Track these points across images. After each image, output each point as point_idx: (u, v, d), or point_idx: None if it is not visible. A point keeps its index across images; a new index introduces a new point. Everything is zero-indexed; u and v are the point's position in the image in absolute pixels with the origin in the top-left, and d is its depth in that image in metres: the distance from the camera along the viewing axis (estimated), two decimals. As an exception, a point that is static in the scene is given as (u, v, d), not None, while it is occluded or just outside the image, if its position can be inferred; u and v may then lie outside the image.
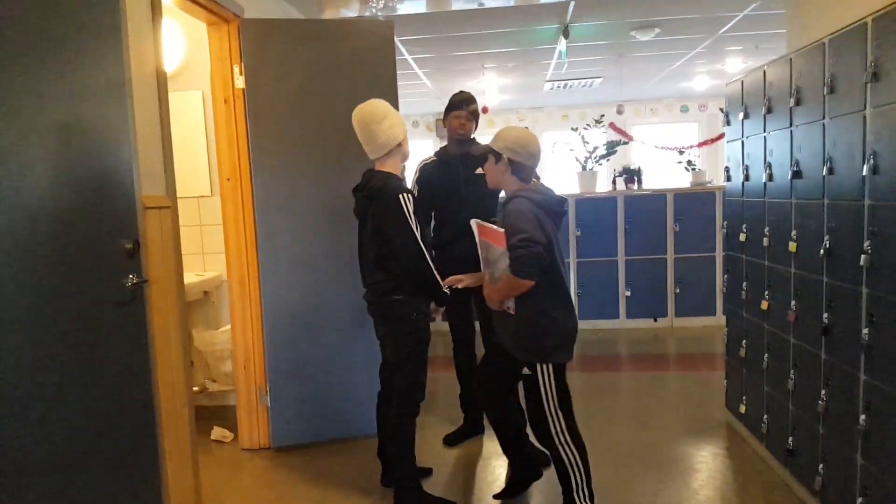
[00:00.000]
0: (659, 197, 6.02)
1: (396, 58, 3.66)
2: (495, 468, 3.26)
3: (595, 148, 6.43)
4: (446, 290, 2.76)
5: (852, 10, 2.40)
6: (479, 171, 3.18)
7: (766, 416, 3.11)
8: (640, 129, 11.83)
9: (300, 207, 3.42)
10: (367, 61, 3.46)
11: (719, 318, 6.05)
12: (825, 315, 2.49)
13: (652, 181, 8.11)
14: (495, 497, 2.93)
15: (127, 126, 2.18)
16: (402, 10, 4.98)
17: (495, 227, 2.54)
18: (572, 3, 4.84)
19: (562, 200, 2.54)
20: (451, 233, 3.36)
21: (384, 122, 2.69)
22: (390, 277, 2.71)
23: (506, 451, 2.95)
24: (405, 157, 2.86)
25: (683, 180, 7.42)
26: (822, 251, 2.49)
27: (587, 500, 2.53)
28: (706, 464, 3.23)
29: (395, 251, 2.65)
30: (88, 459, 1.93)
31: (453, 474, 3.23)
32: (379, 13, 4.87)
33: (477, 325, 3.49)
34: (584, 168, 6.47)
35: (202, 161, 4.01)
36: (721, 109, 7.56)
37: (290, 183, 3.40)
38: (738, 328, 3.50)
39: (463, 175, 3.36)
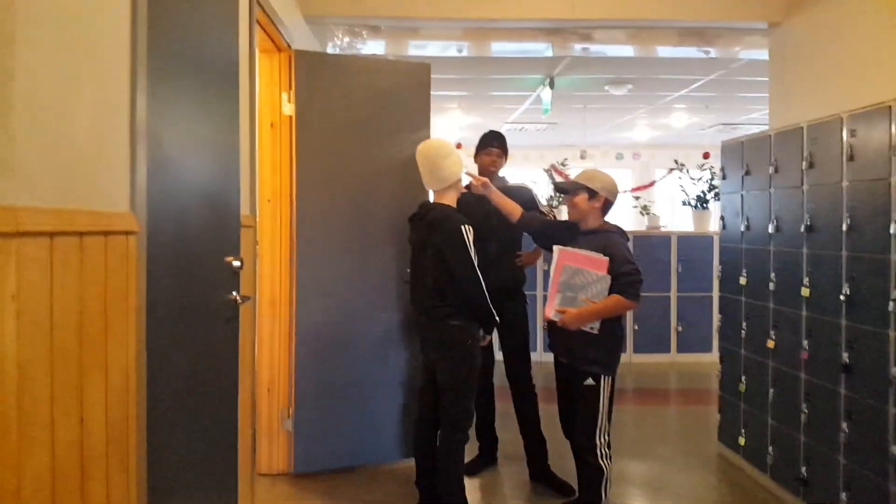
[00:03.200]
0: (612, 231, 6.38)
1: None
2: (519, 497, 3.36)
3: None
4: (496, 318, 2.90)
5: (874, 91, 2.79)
6: None
7: (771, 448, 3.39)
8: (577, 172, 12.45)
9: (338, 230, 3.50)
10: (405, 99, 3.62)
11: (673, 356, 6.48)
12: (845, 354, 2.81)
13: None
14: None
15: (237, 149, 2.30)
16: (365, 49, 5.15)
17: (592, 253, 2.77)
18: (567, 59, 5.17)
19: (628, 237, 2.96)
20: (481, 264, 3.47)
21: (449, 157, 2.92)
22: (448, 303, 2.85)
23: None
24: (460, 192, 3.03)
25: (633, 223, 7.90)
26: (841, 297, 2.81)
27: None
28: (713, 493, 3.46)
29: (455, 278, 2.79)
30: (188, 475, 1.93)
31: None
32: (343, 50, 5.02)
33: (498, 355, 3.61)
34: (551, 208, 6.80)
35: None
36: (675, 161, 8.16)
37: (329, 206, 3.48)
38: (734, 365, 3.80)
39: (494, 208, 3.46)
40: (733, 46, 4.99)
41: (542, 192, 7.30)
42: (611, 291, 2.73)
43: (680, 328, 6.46)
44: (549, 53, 5.28)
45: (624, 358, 6.49)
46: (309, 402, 3.45)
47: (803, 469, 3.11)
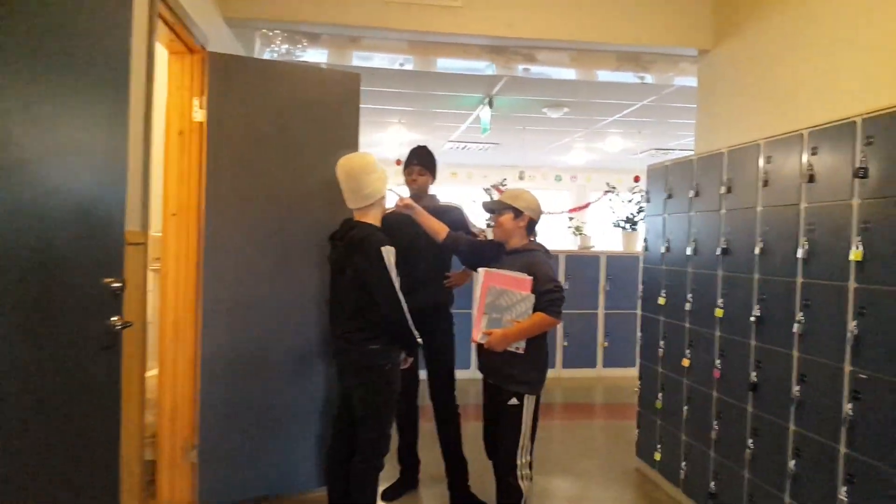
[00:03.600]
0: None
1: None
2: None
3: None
4: (419, 340, 2.86)
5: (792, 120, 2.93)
6: None
7: (684, 463, 3.49)
8: (518, 192, 12.65)
9: (251, 248, 3.29)
10: (333, 110, 3.46)
11: (599, 371, 6.64)
12: (753, 373, 2.92)
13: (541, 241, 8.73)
14: None
15: (124, 157, 2.05)
16: (305, 56, 5.09)
17: (516, 273, 2.77)
18: (504, 79, 5.25)
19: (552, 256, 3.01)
20: (407, 284, 3.30)
21: (373, 174, 2.80)
22: (367, 327, 2.75)
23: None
24: (384, 211, 2.97)
25: (569, 243, 8.06)
26: (751, 318, 2.93)
27: None
28: (630, 507, 3.54)
29: (377, 301, 2.71)
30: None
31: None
32: (279, 56, 4.94)
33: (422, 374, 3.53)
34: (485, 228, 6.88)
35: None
36: (608, 184, 8.38)
37: (242, 222, 3.27)
38: (652, 382, 3.90)
39: (422, 228, 3.38)
40: (667, 72, 5.18)
41: (477, 212, 7.40)
42: (534, 310, 2.74)
43: (606, 344, 6.64)
44: (490, 72, 5.36)
45: (552, 373, 6.62)
46: (216, 430, 3.22)
47: (712, 484, 3.20)
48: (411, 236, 3.37)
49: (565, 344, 6.53)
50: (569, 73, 5.49)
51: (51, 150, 1.64)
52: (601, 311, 6.68)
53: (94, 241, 1.90)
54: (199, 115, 3.20)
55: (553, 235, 10.13)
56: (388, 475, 3.50)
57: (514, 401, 2.78)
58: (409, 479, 3.65)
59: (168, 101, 3.24)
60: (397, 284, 2.70)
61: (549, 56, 4.92)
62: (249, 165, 3.29)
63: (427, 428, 3.61)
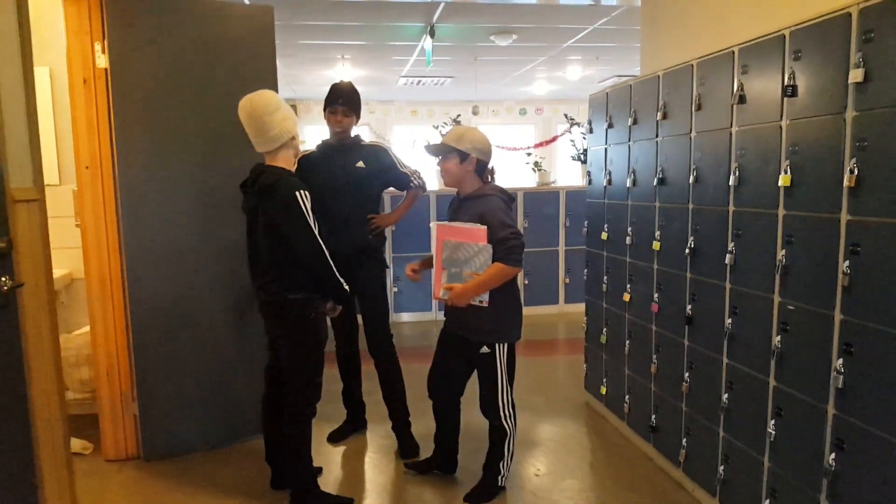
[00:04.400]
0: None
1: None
2: (385, 462, 3.28)
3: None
4: (346, 287, 2.72)
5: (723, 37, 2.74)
6: (360, 164, 3.24)
7: (627, 397, 3.45)
8: (484, 129, 12.35)
9: (172, 198, 3.17)
10: (246, 47, 3.28)
11: (562, 307, 6.60)
12: (689, 307, 2.83)
13: (501, 180, 8.55)
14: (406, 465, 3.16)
15: None
16: None
17: (467, 224, 2.64)
18: (442, 5, 4.94)
19: (513, 199, 2.82)
20: (329, 227, 3.16)
21: (276, 113, 2.57)
22: (286, 276, 2.61)
23: (442, 441, 3.07)
24: (297, 152, 2.76)
25: (529, 180, 7.91)
26: (686, 250, 2.82)
27: (508, 471, 2.89)
28: (577, 441, 3.51)
29: (293, 249, 2.55)
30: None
31: (345, 471, 3.21)
32: None
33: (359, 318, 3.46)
34: None
35: (49, 146, 3.56)
36: (566, 115, 8.17)
37: (159, 171, 3.14)
38: (597, 317, 3.83)
39: (344, 165, 3.25)
40: None
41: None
42: (493, 260, 2.60)
43: (567, 280, 6.58)
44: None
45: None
46: (153, 383, 3.20)
47: (653, 417, 3.17)
48: (325, 175, 3.21)
49: (526, 282, 6.46)
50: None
51: None
52: (562, 248, 6.59)
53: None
54: (102, 60, 3.02)
55: (512, 173, 9.98)
56: (330, 417, 3.58)
57: (485, 349, 2.73)
58: (354, 421, 3.62)
59: (68, 48, 3.04)
60: (315, 230, 2.53)
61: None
62: (161, 111, 3.13)
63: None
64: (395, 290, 6.20)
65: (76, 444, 3.29)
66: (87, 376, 3.53)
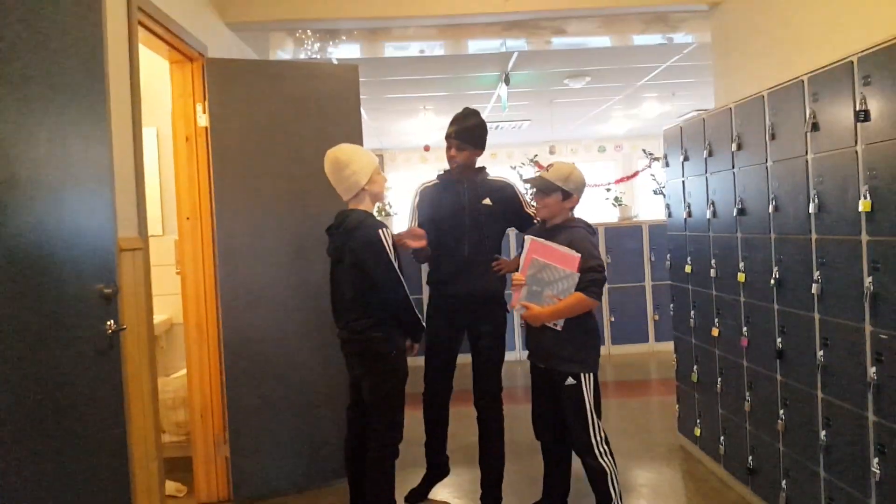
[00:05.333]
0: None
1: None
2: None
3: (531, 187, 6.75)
4: (423, 324, 2.83)
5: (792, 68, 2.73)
6: (486, 202, 3.09)
7: (722, 438, 3.32)
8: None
9: (263, 246, 3.40)
10: (333, 103, 3.54)
11: (652, 345, 6.41)
12: (779, 340, 2.74)
13: (583, 215, 8.54)
14: None
15: (107, 165, 2.14)
16: (337, 54, 5.12)
17: (565, 248, 2.67)
18: (515, 54, 5.11)
19: (595, 230, 2.89)
20: (449, 268, 3.12)
21: (346, 169, 2.76)
22: (369, 314, 2.74)
23: (551, 487, 2.98)
24: (376, 197, 2.90)
25: (610, 215, 7.83)
26: (772, 281, 2.75)
27: None
28: (672, 487, 3.40)
29: (376, 285, 2.70)
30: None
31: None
32: (314, 55, 4.99)
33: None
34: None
35: (154, 199, 3.93)
36: (644, 150, 8.10)
37: (253, 222, 3.38)
38: (687, 354, 3.74)
39: (468, 201, 3.09)
40: (698, 30, 4.90)
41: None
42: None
43: (657, 317, 6.41)
44: (503, 49, 5.22)
45: (602, 350, 6.46)
46: (245, 425, 3.35)
47: (750, 458, 3.04)
48: (448, 209, 3.08)
49: (612, 319, 6.36)
50: (592, 42, 5.27)
51: (40, 165, 1.74)
52: (648, 283, 6.47)
53: (85, 249, 1.97)
54: (203, 119, 3.33)
55: (592, 208, 9.90)
56: (414, 475, 3.42)
57: (570, 380, 2.72)
58: (433, 478, 3.38)
59: (173, 109, 3.39)
60: (397, 265, 2.68)
61: (578, 26, 4.76)
62: (255, 165, 3.39)
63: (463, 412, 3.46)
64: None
65: (170, 486, 3.49)
66: (182, 419, 3.74)
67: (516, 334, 6.18)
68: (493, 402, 3.17)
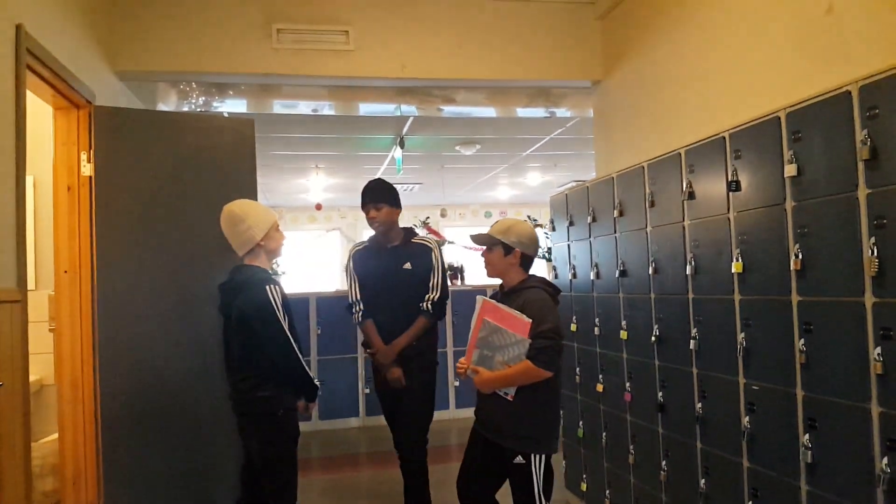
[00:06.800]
0: (480, 291, 6.49)
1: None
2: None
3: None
4: (317, 384, 2.74)
5: (669, 141, 3.00)
6: (407, 266, 3.24)
7: (608, 491, 3.42)
8: (449, 231, 12.73)
9: (149, 303, 3.21)
10: (227, 157, 3.46)
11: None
12: (660, 394, 2.90)
13: (471, 277, 8.73)
14: None
15: None
16: (223, 107, 5.04)
17: (515, 312, 2.47)
18: (411, 118, 5.27)
19: (559, 292, 2.67)
20: (383, 327, 3.26)
21: (242, 224, 2.69)
22: (255, 373, 2.62)
23: None
24: (273, 253, 2.82)
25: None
26: (652, 338, 2.93)
27: None
28: (558, 543, 3.43)
29: (261, 343, 2.59)
30: None
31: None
32: (198, 108, 4.88)
33: None
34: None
35: (28, 252, 3.58)
36: (528, 216, 8.50)
37: (138, 276, 3.20)
38: (573, 411, 3.85)
39: (392, 266, 3.25)
40: (579, 106, 5.29)
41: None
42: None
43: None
44: (398, 113, 5.38)
45: (464, 412, 6.42)
46: (121, 490, 3.09)
47: (634, 511, 3.14)
48: (375, 273, 3.24)
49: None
50: (480, 112, 5.56)
51: None
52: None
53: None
54: (87, 169, 3.16)
55: (482, 272, 10.19)
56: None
57: (519, 459, 2.50)
58: None
59: (55, 157, 3.18)
60: (286, 324, 2.58)
61: (467, 96, 4.98)
62: (141, 218, 3.23)
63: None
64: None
65: None
66: (50, 488, 3.37)
67: (451, 393, 6.14)
68: (417, 458, 3.26)
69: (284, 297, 2.64)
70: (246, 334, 2.60)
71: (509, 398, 2.51)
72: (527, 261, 2.65)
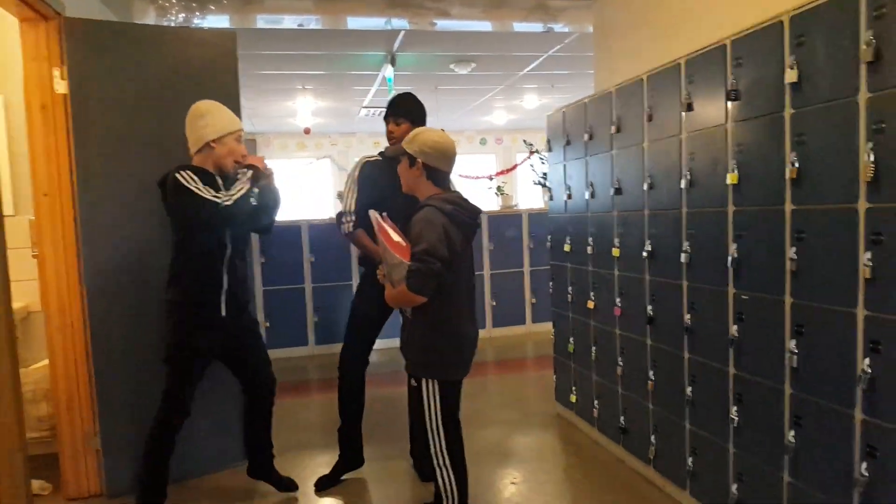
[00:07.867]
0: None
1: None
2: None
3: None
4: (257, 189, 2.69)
5: (669, 51, 2.92)
6: None
7: (596, 402, 3.53)
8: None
9: (132, 223, 3.13)
10: (208, 72, 3.29)
11: (529, 327, 6.69)
12: (649, 307, 2.94)
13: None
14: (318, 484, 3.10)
15: None
16: (204, 23, 4.87)
17: (393, 233, 2.35)
18: (402, 33, 5.10)
19: (475, 212, 2.44)
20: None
21: (200, 120, 2.70)
22: (170, 275, 2.73)
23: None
24: (219, 160, 2.73)
25: (493, 204, 8.07)
26: (644, 253, 2.95)
27: None
28: (550, 449, 3.56)
29: (181, 233, 2.69)
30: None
31: None
32: (175, 24, 4.70)
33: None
34: None
35: (4, 175, 3.54)
36: (525, 141, 8.39)
37: (122, 198, 3.10)
38: (564, 328, 3.93)
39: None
40: (578, 21, 5.12)
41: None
42: None
43: (534, 300, 6.67)
44: (389, 27, 5.20)
45: (484, 332, 6.67)
46: (116, 415, 3.11)
47: (622, 419, 3.25)
48: (391, 188, 2.84)
49: (494, 303, 6.54)
50: (475, 26, 5.38)
51: None
52: (527, 269, 6.70)
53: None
54: (61, 86, 3.00)
55: (478, 198, 10.16)
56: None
57: (413, 382, 2.46)
58: (350, 463, 3.29)
59: (25, 74, 3.01)
60: (208, 194, 2.54)
61: (462, 9, 4.81)
62: (122, 137, 3.11)
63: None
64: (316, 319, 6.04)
65: (35, 484, 3.14)
66: (45, 413, 3.43)
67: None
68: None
69: (203, 177, 2.60)
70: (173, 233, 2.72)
71: (408, 315, 2.44)
72: (434, 173, 2.41)
